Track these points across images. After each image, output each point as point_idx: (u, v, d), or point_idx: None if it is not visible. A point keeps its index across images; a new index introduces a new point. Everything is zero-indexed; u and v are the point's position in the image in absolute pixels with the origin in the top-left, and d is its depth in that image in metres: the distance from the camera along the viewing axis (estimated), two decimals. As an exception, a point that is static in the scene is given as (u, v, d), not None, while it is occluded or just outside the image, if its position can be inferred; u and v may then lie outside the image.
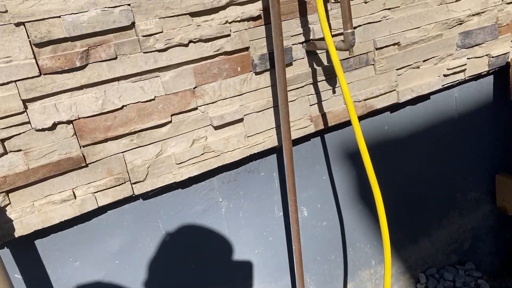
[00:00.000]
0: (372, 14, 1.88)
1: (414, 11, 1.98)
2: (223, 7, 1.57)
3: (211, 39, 1.57)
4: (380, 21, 1.91)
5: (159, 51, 1.50)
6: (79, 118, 1.42)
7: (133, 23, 1.43)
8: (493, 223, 2.78)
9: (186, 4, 1.49)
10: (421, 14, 1.99)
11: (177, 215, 1.76)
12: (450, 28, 2.10)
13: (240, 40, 1.63)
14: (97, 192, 1.51)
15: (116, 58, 1.43)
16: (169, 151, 1.61)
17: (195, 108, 1.62)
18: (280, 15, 1.48)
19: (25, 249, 1.51)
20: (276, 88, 1.74)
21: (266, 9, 1.65)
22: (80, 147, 1.46)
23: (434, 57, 2.10)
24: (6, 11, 1.25)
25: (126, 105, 1.49)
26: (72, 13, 1.33)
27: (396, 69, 2.02)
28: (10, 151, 1.36)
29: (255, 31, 1.65)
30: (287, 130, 1.63)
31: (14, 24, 1.27)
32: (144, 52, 1.47)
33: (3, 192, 1.37)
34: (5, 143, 1.35)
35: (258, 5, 1.64)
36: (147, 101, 1.52)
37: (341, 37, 1.78)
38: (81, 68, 1.39)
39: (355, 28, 1.86)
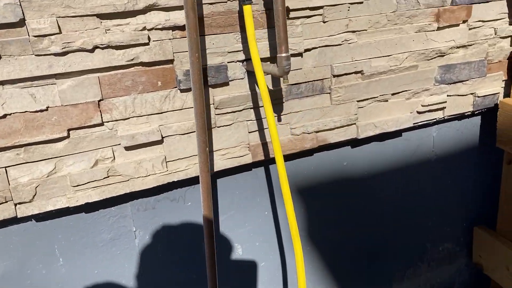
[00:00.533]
0: (331, 36, 1.62)
1: (385, 36, 1.72)
2: (141, 11, 1.35)
3: (124, 47, 1.35)
4: (340, 44, 1.65)
5: (56, 55, 1.28)
6: None
7: (22, 20, 1.22)
8: (467, 279, 2.48)
9: (91, 4, 1.27)
10: (393, 41, 1.73)
11: (79, 241, 1.54)
12: (428, 60, 1.83)
13: (162, 51, 1.40)
14: (-30, 210, 1.30)
15: (-1, 58, 1.22)
16: (64, 171, 1.39)
17: (100, 124, 1.40)
18: (196, 28, 1.24)
19: None
20: (208, 108, 1.50)
21: (198, 17, 1.42)
22: (-51, 157, 1.25)
23: (406, 90, 1.84)
24: None
25: (10, 114, 1.28)
26: None
27: (357, 101, 1.76)
28: None
29: (182, 43, 1.42)
30: (204, 161, 1.40)
31: None
32: (36, 55, 1.25)
33: None
34: None
35: (188, 12, 1.40)
36: (37, 111, 1.31)
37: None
38: (-48, 66, 1.18)
39: (309, 50, 1.61)
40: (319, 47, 1.62)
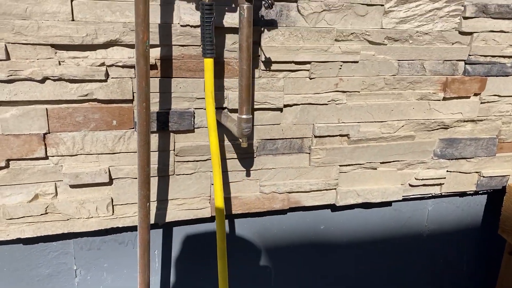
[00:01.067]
0: (317, 94, 1.47)
1: (380, 100, 1.55)
2: (102, 46, 1.24)
3: (78, 81, 1.24)
4: (326, 104, 1.50)
5: (1, 81, 1.19)
6: None
7: (-33, 42, 1.13)
8: None
9: (45, 33, 1.17)
10: (389, 106, 1.56)
11: (13, 274, 1.45)
12: (428, 131, 1.65)
13: (120, 89, 1.29)
14: None
15: None
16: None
17: (44, 158, 1.30)
18: (146, 76, 1.12)
19: None
20: (167, 154, 1.39)
21: (165, 59, 1.30)
22: None
23: (398, 161, 1.66)
24: None
25: None
26: None
27: (340, 165, 1.59)
28: None
29: (146, 83, 1.30)
30: (143, 217, 1.27)
31: None
32: (-21, 79, 1.17)
33: None
34: None
35: (155, 52, 1.29)
36: (-25, 138, 1.22)
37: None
38: None
39: (290, 106, 1.46)
40: (302, 104, 1.47)
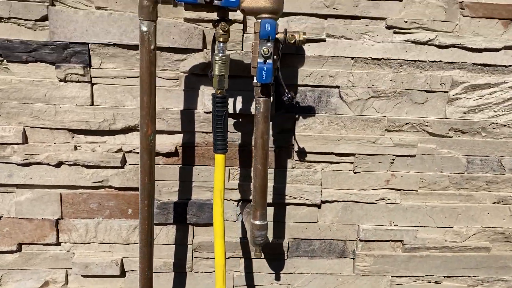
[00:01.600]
0: (362, 190, 1.25)
1: (443, 202, 1.27)
2: (120, 131, 1.17)
3: (93, 167, 1.18)
4: (374, 203, 1.26)
5: (18, 164, 1.16)
6: None
7: (-12, 125, 1.13)
8: None
9: (62, 118, 1.13)
10: (456, 210, 1.27)
11: None
12: (510, 242, 1.32)
13: (137, 177, 1.19)
14: None
15: (-40, 159, 1.14)
16: (10, 285, 1.24)
17: (57, 244, 1.23)
18: (149, 171, 1.00)
19: None
20: (185, 249, 1.25)
21: (187, 145, 1.19)
22: None
23: (468, 276, 1.33)
24: None
25: (-39, 217, 1.18)
26: None
27: (391, 276, 1.32)
28: None
29: (165, 170, 1.20)
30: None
31: None
32: (-2, 161, 1.15)
33: None
34: None
35: (177, 138, 1.19)
36: (-11, 220, 1.19)
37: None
38: None
39: (330, 202, 1.26)
40: (344, 201, 1.26)
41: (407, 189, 1.26)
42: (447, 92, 1.20)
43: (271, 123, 1.19)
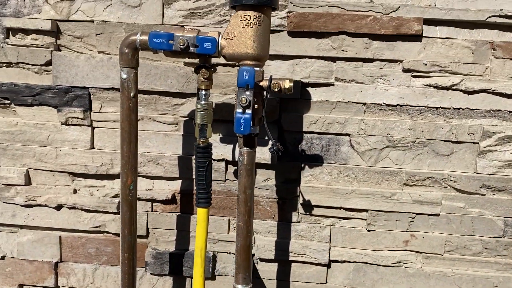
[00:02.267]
0: (377, 251, 1.11)
1: (476, 270, 1.09)
2: (118, 176, 1.14)
3: (91, 211, 1.16)
4: (391, 266, 1.11)
5: (21, 205, 1.17)
6: None
7: (-5, 166, 1.15)
8: None
9: (62, 161, 1.13)
10: (491, 280, 1.09)
11: None
12: None
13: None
14: None
15: (-30, 198, 1.17)
16: (10, 326, 1.24)
17: (56, 287, 1.21)
18: (130, 223, 0.95)
19: None
20: (183, 303, 1.17)
21: (185, 193, 1.14)
22: None
23: None
24: None
25: (-32, 254, 1.21)
26: None
27: None
28: None
29: (162, 218, 1.15)
30: None
31: None
32: (3, 202, 1.17)
33: None
34: None
35: (175, 185, 1.14)
36: (-7, 258, 1.21)
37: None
38: None
39: (340, 262, 1.13)
40: (356, 262, 1.12)
41: (430, 252, 1.10)
42: (478, 143, 1.05)
43: (274, 171, 1.11)
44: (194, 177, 1.12)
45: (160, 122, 1.11)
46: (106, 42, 1.08)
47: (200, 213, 0.92)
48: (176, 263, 1.16)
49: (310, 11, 1.03)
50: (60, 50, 1.10)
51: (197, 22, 1.07)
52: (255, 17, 0.82)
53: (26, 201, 1.16)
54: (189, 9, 1.06)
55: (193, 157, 1.11)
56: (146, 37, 0.85)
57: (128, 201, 0.93)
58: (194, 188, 1.13)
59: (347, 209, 1.10)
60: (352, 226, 1.12)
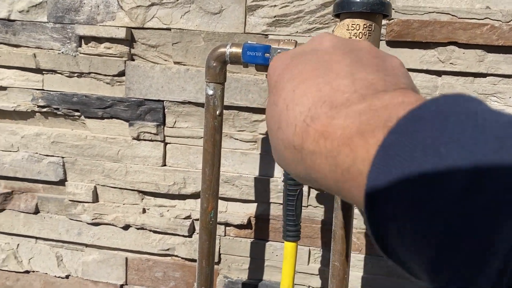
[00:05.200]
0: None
1: None
2: (190, 196, 1.06)
3: (160, 233, 1.08)
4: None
5: (87, 223, 1.10)
6: (-22, 264, 1.18)
7: (63, 181, 1.10)
8: None
9: (132, 178, 1.06)
10: None
11: None
12: None
13: (205, 249, 1.06)
14: None
15: (36, 213, 1.13)
16: None
17: (119, 311, 1.14)
18: (208, 254, 0.85)
19: None
20: (254, 337, 1.07)
21: (261, 218, 1.04)
22: (-25, 295, 1.20)
23: None
24: None
25: (33, 271, 1.16)
26: (-2, 150, 1.10)
27: None
28: None
29: (236, 244, 1.05)
30: None
31: None
32: (69, 219, 1.11)
33: None
34: None
35: (251, 208, 1.04)
36: (57, 277, 1.15)
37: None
38: (-6, 211, 1.14)
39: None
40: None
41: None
42: None
43: (363, 199, 0.98)
44: (275, 201, 1.02)
45: (237, 139, 1.02)
46: (183, 52, 0.99)
47: (288, 247, 0.81)
48: (250, 294, 1.06)
49: (415, 18, 0.90)
50: (133, 60, 1.03)
51: (282, 31, 0.96)
52: (365, 26, 0.70)
53: (93, 219, 1.09)
54: (274, 16, 0.95)
55: (271, 179, 1.01)
56: (237, 50, 0.75)
57: (208, 229, 0.83)
58: (271, 213, 1.03)
59: (448, 245, 0.96)
60: (453, 265, 0.97)
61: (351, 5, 0.69)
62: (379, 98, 0.27)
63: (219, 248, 1.06)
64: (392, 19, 0.90)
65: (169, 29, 0.99)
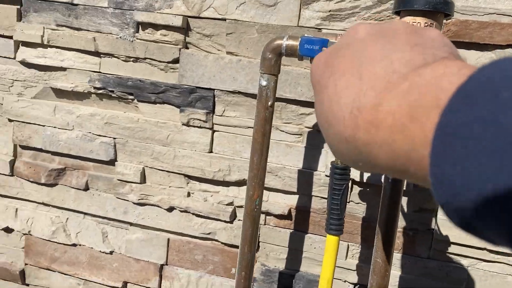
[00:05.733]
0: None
1: None
2: (234, 183, 1.08)
3: (202, 217, 1.11)
4: (540, 324, 0.94)
5: (133, 203, 1.15)
6: (30, 234, 1.24)
7: (113, 161, 1.14)
8: None
9: (179, 162, 1.09)
10: None
11: None
12: None
13: (245, 236, 1.09)
14: (27, 317, 1.30)
15: (86, 190, 1.18)
16: (111, 321, 1.24)
17: (158, 289, 1.19)
18: (251, 240, 0.87)
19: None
20: (287, 325, 1.10)
21: (302, 210, 1.05)
22: (25, 264, 1.27)
23: None
24: (1, 104, 1.19)
25: (79, 245, 1.22)
26: (55, 127, 1.16)
27: None
28: (-30, 233, 1.30)
29: (275, 233, 1.08)
30: None
31: (8, 119, 1.20)
32: (116, 197, 1.16)
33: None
34: (-31, 224, 1.30)
35: (292, 199, 1.06)
36: (103, 252, 1.20)
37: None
38: (48, 185, 1.20)
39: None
40: (495, 312, 0.96)
41: None
42: None
43: (406, 198, 0.98)
44: (317, 194, 1.03)
45: (283, 131, 1.03)
46: (236, 42, 1.02)
47: (330, 241, 0.83)
48: (285, 283, 1.08)
49: (473, 19, 0.88)
50: (187, 48, 1.06)
51: (336, 25, 0.97)
52: (426, 24, 0.70)
53: (139, 199, 1.14)
54: (329, 11, 0.96)
55: (315, 172, 1.02)
56: (293, 42, 0.76)
57: (252, 217, 0.86)
58: (312, 206, 1.04)
59: (491, 251, 0.95)
60: (496, 271, 0.96)
61: (413, 2, 0.69)
62: (420, 74, 0.26)
63: (258, 236, 1.09)
64: (450, 18, 0.89)
65: (224, 19, 1.02)
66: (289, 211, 1.06)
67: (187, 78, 1.05)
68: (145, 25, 1.06)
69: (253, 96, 1.03)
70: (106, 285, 1.22)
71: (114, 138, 1.13)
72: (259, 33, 1.00)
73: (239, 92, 1.03)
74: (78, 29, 1.11)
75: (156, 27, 1.06)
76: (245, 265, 0.89)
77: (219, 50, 1.04)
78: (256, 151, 0.83)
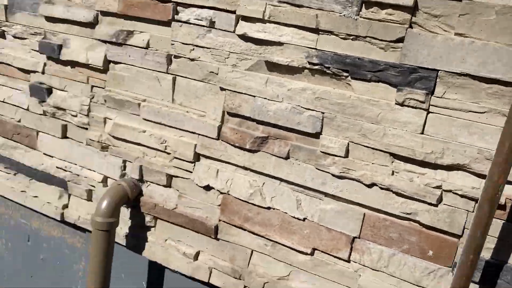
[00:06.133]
0: None
1: None
2: (444, 167, 1.08)
3: (405, 196, 1.13)
4: None
5: (333, 175, 1.20)
6: (228, 194, 1.37)
7: (318, 134, 1.20)
8: None
9: (388, 141, 1.12)
10: None
11: None
12: None
13: (450, 220, 1.09)
14: (214, 269, 1.43)
15: (287, 158, 1.26)
16: (294, 282, 1.32)
17: (346, 260, 1.23)
18: (485, 224, 0.86)
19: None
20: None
21: (521, 201, 1.02)
22: (219, 220, 1.40)
23: None
24: (217, 74, 1.31)
25: (273, 209, 1.31)
26: (265, 98, 1.25)
27: None
28: (172, 187, 1.47)
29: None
30: None
31: (220, 87, 1.32)
32: (316, 168, 1.22)
33: (152, 215, 1.51)
34: (172, 179, 1.46)
35: (509, 190, 1.02)
36: (295, 218, 1.28)
37: None
38: (251, 151, 1.31)
39: None
40: None
41: None
42: None
43: None
44: (546, 187, 0.99)
45: (510, 118, 1.00)
46: (469, 24, 1.00)
47: None
48: (490, 273, 1.05)
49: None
50: (412, 28, 1.06)
51: None
52: None
53: (340, 172, 1.19)
54: None
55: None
56: None
57: (492, 202, 0.85)
58: (532, 198, 1.00)
59: None
60: None
61: None
62: None
63: (465, 223, 1.07)
64: None
65: (459, 0, 1.00)
66: (505, 201, 1.03)
67: (409, 57, 1.06)
68: (369, 4, 1.09)
69: (481, 79, 1.01)
70: (295, 249, 1.30)
71: (323, 113, 1.19)
72: (498, 15, 0.97)
73: (467, 75, 1.02)
74: (300, 6, 1.17)
75: (381, 6, 1.08)
76: (473, 248, 0.89)
77: (445, 31, 1.03)
78: (509, 135, 0.82)
